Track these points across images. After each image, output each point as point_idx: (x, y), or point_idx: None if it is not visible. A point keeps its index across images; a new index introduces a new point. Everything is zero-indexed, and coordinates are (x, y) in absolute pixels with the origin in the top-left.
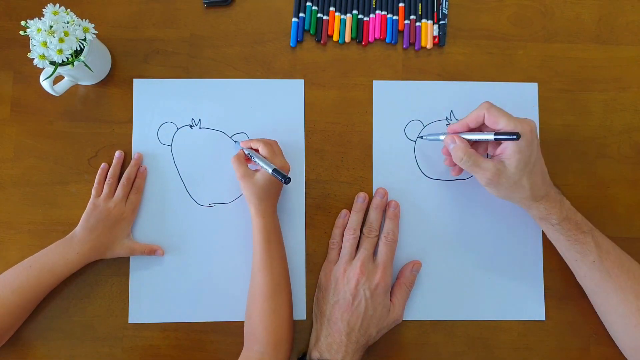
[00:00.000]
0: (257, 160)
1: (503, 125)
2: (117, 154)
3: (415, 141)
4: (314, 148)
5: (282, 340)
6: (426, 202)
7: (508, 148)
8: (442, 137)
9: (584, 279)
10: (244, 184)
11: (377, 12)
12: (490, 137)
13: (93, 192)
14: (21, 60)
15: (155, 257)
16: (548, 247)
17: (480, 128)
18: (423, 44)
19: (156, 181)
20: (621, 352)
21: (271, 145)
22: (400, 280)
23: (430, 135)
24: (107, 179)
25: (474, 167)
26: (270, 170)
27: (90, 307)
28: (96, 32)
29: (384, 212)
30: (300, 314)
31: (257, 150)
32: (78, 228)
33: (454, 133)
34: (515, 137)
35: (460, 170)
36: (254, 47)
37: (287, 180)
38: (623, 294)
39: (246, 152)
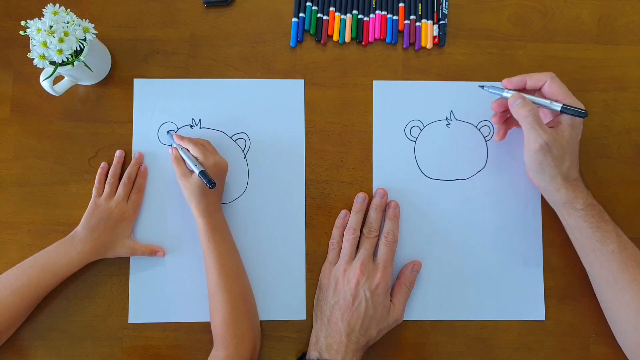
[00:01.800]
0: (187, 160)
1: (562, 98)
2: (118, 153)
3: (415, 141)
4: (314, 148)
5: (244, 336)
6: (426, 202)
7: (565, 121)
8: (505, 94)
9: (599, 270)
10: (182, 184)
11: (377, 12)
12: (558, 107)
13: (94, 191)
14: (21, 60)
15: (155, 257)
16: (548, 247)
17: (532, 93)
18: (423, 44)
19: (156, 181)
20: (621, 352)
21: (203, 145)
22: (401, 281)
23: (492, 88)
24: (108, 179)
25: (535, 126)
26: (197, 172)
27: (90, 307)
28: (96, 32)
29: (384, 212)
30: (300, 314)
31: (188, 151)
32: (79, 227)
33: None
34: (584, 114)
35: (504, 134)
36: (254, 47)
37: (212, 185)
38: (638, 287)
39: (180, 152)
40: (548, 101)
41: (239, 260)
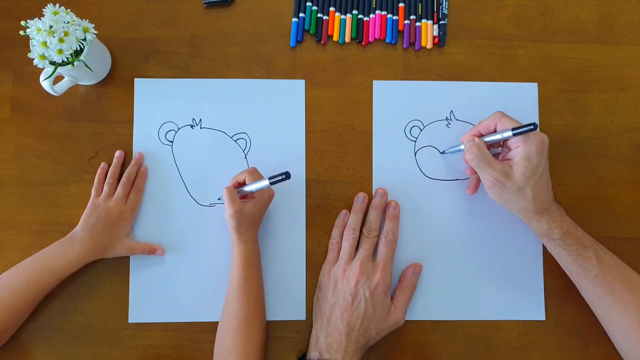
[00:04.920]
0: (251, 187)
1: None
2: (118, 153)
3: (415, 141)
4: (314, 148)
5: None
6: (426, 202)
7: (518, 154)
8: (462, 147)
9: (586, 291)
10: (238, 219)
11: (377, 12)
12: (509, 132)
13: (93, 191)
14: (21, 60)
15: (155, 257)
16: None
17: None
18: (423, 44)
19: (157, 181)
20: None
21: (254, 173)
22: (403, 284)
23: (451, 148)
24: (107, 179)
25: (483, 165)
26: (268, 183)
27: (90, 307)
28: (96, 32)
29: (384, 212)
30: (300, 314)
31: (243, 183)
32: (78, 227)
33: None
34: (532, 127)
35: (476, 186)
36: (254, 47)
37: (287, 175)
38: (624, 307)
39: (238, 191)
40: (499, 134)
41: (263, 292)
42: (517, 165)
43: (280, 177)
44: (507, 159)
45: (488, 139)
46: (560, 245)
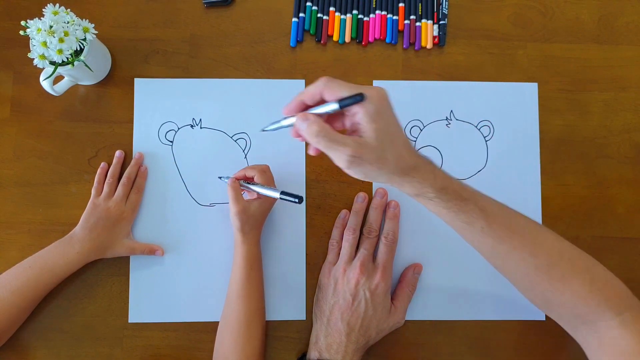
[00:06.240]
0: (258, 189)
1: (345, 94)
2: (118, 153)
3: (415, 141)
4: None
5: None
6: None
7: (361, 122)
8: (285, 123)
9: (477, 245)
10: (242, 219)
11: (377, 12)
12: (335, 105)
13: (93, 191)
14: (21, 60)
15: (155, 257)
16: None
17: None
18: (423, 44)
19: (157, 181)
20: None
21: (265, 172)
22: (403, 284)
23: (271, 124)
24: (107, 179)
25: (332, 144)
26: (278, 195)
27: (90, 307)
28: (96, 32)
29: (384, 212)
30: (300, 314)
31: (252, 179)
32: (78, 227)
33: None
34: (359, 98)
35: (318, 150)
36: (254, 47)
37: (300, 199)
38: (519, 254)
39: (242, 185)
40: (325, 105)
41: (264, 294)
42: (366, 132)
43: (292, 199)
44: (353, 132)
45: (315, 111)
46: (438, 203)
